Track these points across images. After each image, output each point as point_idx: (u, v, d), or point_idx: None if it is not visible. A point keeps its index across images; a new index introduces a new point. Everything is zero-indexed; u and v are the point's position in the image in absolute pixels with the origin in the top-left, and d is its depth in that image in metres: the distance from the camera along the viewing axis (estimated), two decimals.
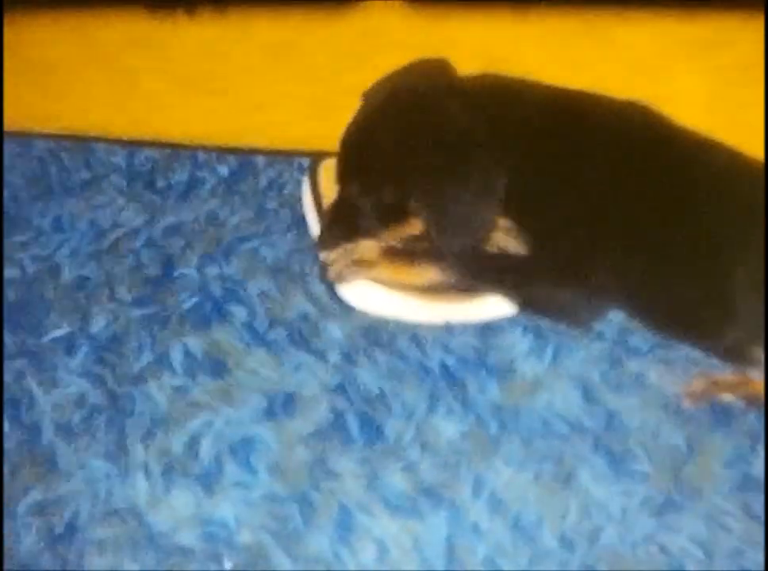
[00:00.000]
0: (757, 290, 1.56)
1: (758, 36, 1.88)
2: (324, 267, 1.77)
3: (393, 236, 1.74)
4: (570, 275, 1.69)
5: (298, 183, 2.02)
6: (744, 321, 1.58)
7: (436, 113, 1.69)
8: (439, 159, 1.65)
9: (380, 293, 1.74)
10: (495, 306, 1.74)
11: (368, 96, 1.78)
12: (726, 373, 1.64)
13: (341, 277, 1.74)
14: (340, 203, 1.77)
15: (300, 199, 1.97)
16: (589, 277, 1.69)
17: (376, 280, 1.73)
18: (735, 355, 1.63)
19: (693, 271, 1.64)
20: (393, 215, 1.72)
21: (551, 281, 1.71)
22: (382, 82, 1.78)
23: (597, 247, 1.68)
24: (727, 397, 1.60)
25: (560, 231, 1.70)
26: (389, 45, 1.98)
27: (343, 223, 1.76)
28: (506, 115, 1.71)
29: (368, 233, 1.75)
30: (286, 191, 2.07)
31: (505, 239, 1.72)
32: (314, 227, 1.87)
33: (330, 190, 1.86)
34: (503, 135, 1.69)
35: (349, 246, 1.75)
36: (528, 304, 1.73)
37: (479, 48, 1.96)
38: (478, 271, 1.72)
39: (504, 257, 1.71)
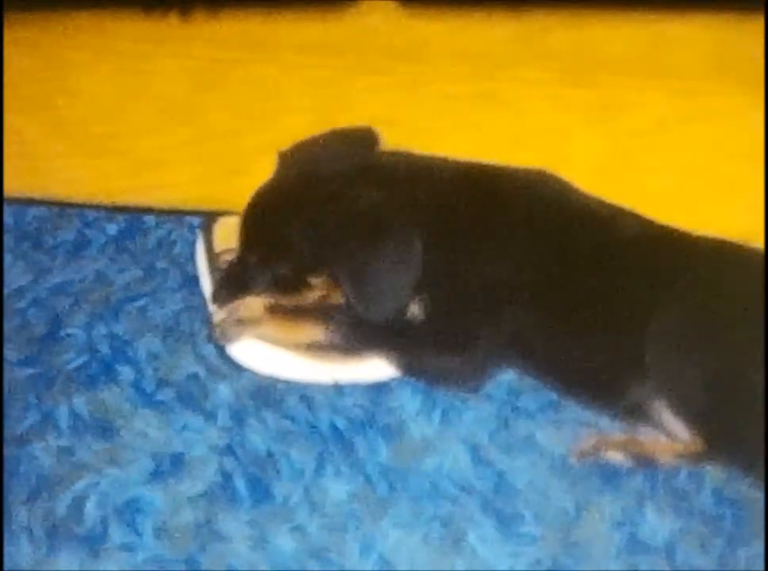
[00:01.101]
0: (669, 348, 1.59)
1: (655, 102, 1.92)
2: (211, 327, 1.76)
3: (286, 302, 1.75)
4: (462, 342, 1.71)
5: (188, 242, 2.02)
6: (652, 377, 1.61)
7: (342, 188, 1.71)
8: (354, 231, 1.67)
9: (269, 352, 1.73)
10: (384, 367, 1.74)
11: (282, 160, 1.79)
12: (615, 432, 1.66)
13: (226, 337, 1.73)
14: (237, 263, 1.78)
15: (190, 258, 1.96)
16: (486, 345, 1.71)
17: (262, 338, 1.72)
18: (634, 413, 1.65)
19: (602, 331, 1.68)
20: (289, 287, 1.73)
21: (441, 347, 1.72)
22: (298, 147, 1.80)
23: (496, 313, 1.71)
24: (616, 457, 1.62)
25: (460, 299, 1.72)
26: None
27: (236, 283, 1.76)
28: (417, 190, 1.74)
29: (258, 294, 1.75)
30: (175, 250, 2.06)
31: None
32: (207, 285, 1.86)
33: (225, 248, 1.87)
34: (414, 209, 1.71)
35: (234, 304, 1.74)
36: (413, 370, 1.74)
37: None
38: (364, 334, 1.72)
39: (394, 323, 1.72)
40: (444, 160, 1.79)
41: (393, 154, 1.80)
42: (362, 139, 1.81)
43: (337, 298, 1.73)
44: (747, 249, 1.70)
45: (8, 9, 1.99)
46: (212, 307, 1.79)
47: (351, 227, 1.67)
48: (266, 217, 1.74)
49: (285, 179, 1.77)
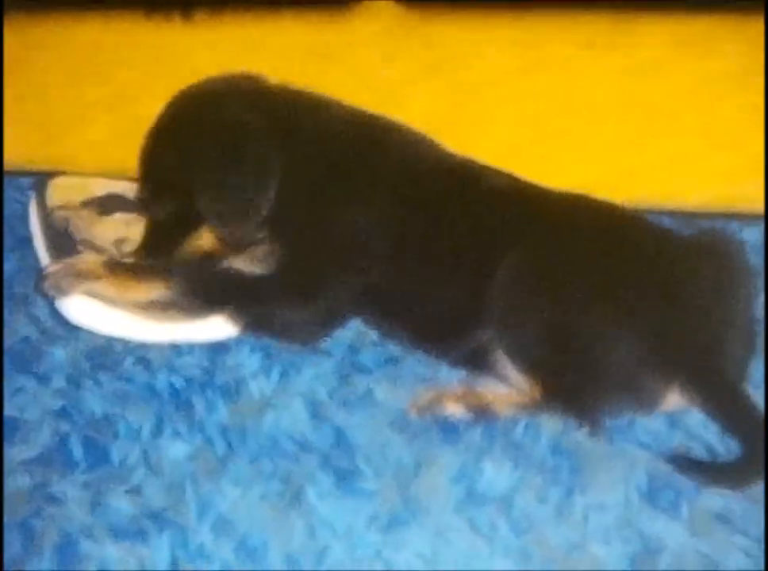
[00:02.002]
0: (509, 295, 1.62)
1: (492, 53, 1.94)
2: (42, 278, 1.70)
3: (188, 247, 1.74)
4: (311, 294, 1.71)
5: (20, 203, 1.97)
6: (493, 324, 1.63)
7: (225, 112, 1.71)
8: (218, 151, 1.67)
9: (103, 310, 1.69)
10: (222, 326, 1.72)
11: (170, 100, 1.78)
12: (452, 385, 1.68)
13: (58, 289, 1.68)
14: (148, 222, 1.78)
15: (21, 220, 1.92)
16: (332, 298, 1.72)
17: (97, 294, 1.68)
18: (475, 360, 1.68)
19: (452, 280, 1.71)
20: (185, 223, 1.73)
21: (285, 301, 1.71)
22: (185, 89, 1.79)
23: (352, 265, 1.73)
24: (454, 409, 1.63)
25: (315, 249, 1.73)
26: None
27: (154, 240, 1.76)
28: (295, 128, 1.74)
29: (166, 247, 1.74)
30: (5, 212, 2.02)
31: (247, 262, 1.74)
32: (41, 245, 1.83)
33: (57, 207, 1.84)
34: (286, 145, 1.71)
35: (71, 259, 1.71)
36: (253, 324, 1.73)
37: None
38: (204, 289, 1.71)
39: (233, 276, 1.72)
40: (331, 103, 1.80)
41: (285, 88, 1.80)
42: (251, 79, 1.81)
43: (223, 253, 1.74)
44: (598, 201, 1.73)
45: None
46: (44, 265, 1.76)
47: (212, 140, 1.68)
48: (153, 148, 1.75)
49: (171, 108, 1.77)
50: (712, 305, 1.61)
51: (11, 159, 1.98)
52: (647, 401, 1.60)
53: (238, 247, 1.74)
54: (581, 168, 1.91)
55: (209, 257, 1.75)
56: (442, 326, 1.72)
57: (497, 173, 1.77)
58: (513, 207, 1.72)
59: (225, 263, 1.76)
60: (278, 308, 1.72)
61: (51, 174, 1.94)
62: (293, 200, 1.70)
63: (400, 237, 1.72)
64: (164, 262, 1.72)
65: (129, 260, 1.74)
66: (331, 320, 1.74)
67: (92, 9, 2.02)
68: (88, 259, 1.71)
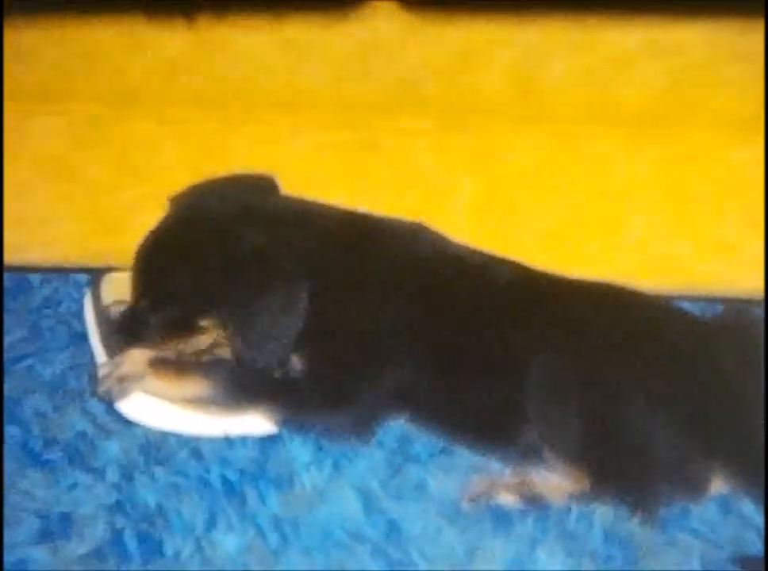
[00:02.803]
0: (546, 391, 1.63)
1: (531, 145, 1.95)
2: (96, 384, 1.74)
3: (176, 348, 1.74)
4: (342, 397, 1.72)
5: (74, 300, 2.01)
6: (535, 421, 1.64)
7: (228, 233, 1.71)
8: (238, 274, 1.67)
9: (157, 405, 1.72)
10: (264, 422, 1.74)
11: (173, 203, 1.79)
12: (506, 475, 1.68)
13: (111, 395, 1.72)
14: (130, 310, 1.77)
15: (76, 316, 1.95)
16: (367, 397, 1.72)
17: (146, 392, 1.72)
18: (528, 455, 1.67)
19: (486, 379, 1.70)
20: (180, 330, 1.72)
21: (321, 403, 1.73)
22: (189, 190, 1.80)
23: (376, 366, 1.72)
24: (507, 498, 1.63)
25: (338, 352, 1.73)
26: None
27: (130, 330, 1.75)
28: (300, 236, 1.75)
29: (150, 343, 1.74)
30: (61, 308, 2.04)
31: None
32: (96, 341, 1.86)
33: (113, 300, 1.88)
34: (297, 256, 1.72)
35: (116, 359, 1.74)
36: (293, 425, 1.74)
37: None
38: (244, 389, 1.72)
39: (274, 378, 1.72)
40: (329, 208, 1.80)
41: (281, 198, 1.81)
42: (257, 184, 1.82)
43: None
44: (625, 290, 1.75)
45: None
46: (99, 361, 1.78)
47: (234, 269, 1.67)
48: (154, 260, 1.74)
49: (172, 221, 1.76)
50: (741, 384, 1.62)
51: (65, 255, 2.01)
52: (693, 487, 1.60)
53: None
54: (612, 257, 1.92)
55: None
56: (484, 427, 1.72)
57: (509, 263, 1.78)
58: (537, 299, 1.74)
59: None
60: (314, 413, 1.73)
61: (105, 270, 1.97)
62: (311, 305, 1.69)
63: (422, 335, 1.73)
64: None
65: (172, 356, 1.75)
66: (368, 421, 1.75)
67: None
68: (133, 358, 1.73)
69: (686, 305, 1.86)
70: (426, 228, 1.81)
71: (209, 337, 1.73)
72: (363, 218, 1.81)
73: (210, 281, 1.68)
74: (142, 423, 1.74)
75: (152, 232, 1.75)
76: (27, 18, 1.94)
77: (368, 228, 1.80)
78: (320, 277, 1.71)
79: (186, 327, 1.72)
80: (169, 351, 1.74)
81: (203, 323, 1.71)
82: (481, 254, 1.79)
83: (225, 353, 1.74)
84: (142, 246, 1.74)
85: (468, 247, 1.80)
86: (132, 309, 1.76)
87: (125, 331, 1.76)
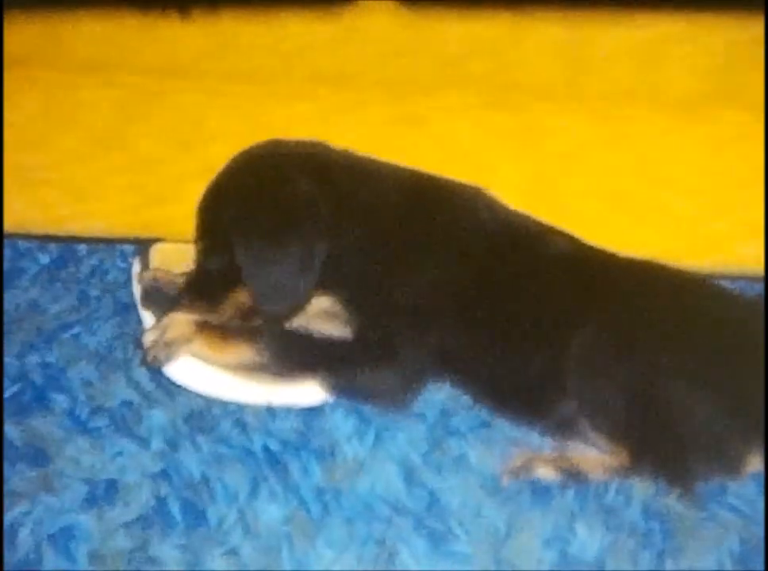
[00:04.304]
0: (588, 365, 1.63)
1: (577, 125, 1.95)
2: (142, 351, 1.76)
3: (234, 301, 1.76)
4: (391, 357, 1.73)
5: (121, 270, 2.03)
6: (576, 395, 1.65)
7: (278, 179, 1.73)
8: (265, 221, 1.70)
9: (204, 370, 1.74)
10: (316, 390, 1.75)
11: (230, 159, 1.81)
12: (545, 449, 1.69)
13: (158, 360, 1.74)
14: (197, 269, 1.81)
15: (123, 286, 1.98)
16: (412, 359, 1.74)
17: (195, 355, 1.73)
18: (564, 428, 1.69)
19: (528, 348, 1.72)
20: (234, 278, 1.74)
21: (369, 364, 1.74)
22: (246, 149, 1.81)
23: (422, 327, 1.74)
24: (546, 473, 1.64)
25: (387, 312, 1.75)
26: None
27: (196, 287, 1.79)
28: (354, 192, 1.77)
29: (215, 299, 1.77)
30: (108, 278, 2.07)
31: (326, 321, 1.76)
32: (143, 311, 1.88)
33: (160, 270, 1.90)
34: (346, 211, 1.75)
35: (162, 323, 1.75)
36: (343, 388, 1.75)
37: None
38: (294, 354, 1.74)
39: (319, 341, 1.75)
40: (391, 167, 1.83)
41: (346, 154, 1.83)
42: (313, 145, 1.84)
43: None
44: (670, 269, 1.75)
45: None
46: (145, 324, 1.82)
47: (264, 218, 1.70)
48: (208, 204, 1.78)
49: (230, 166, 1.80)
50: None
51: (112, 227, 2.03)
52: (730, 464, 1.61)
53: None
54: (653, 236, 1.91)
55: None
56: (526, 397, 1.73)
57: (560, 233, 1.79)
58: (585, 272, 1.75)
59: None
60: (362, 372, 1.74)
61: (152, 241, 2.00)
62: (360, 266, 1.74)
63: (469, 298, 1.74)
64: (208, 314, 1.77)
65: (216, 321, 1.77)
66: (414, 381, 1.76)
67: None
68: (179, 322, 1.74)
69: (727, 284, 1.86)
70: (485, 192, 1.83)
71: (243, 300, 1.76)
72: (425, 178, 1.83)
73: (248, 225, 1.71)
74: (188, 388, 1.76)
75: (212, 179, 1.79)
76: None
77: (428, 189, 1.82)
78: (370, 234, 1.74)
79: (238, 275, 1.73)
80: (217, 316, 1.76)
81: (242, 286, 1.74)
82: (536, 223, 1.81)
83: None
84: (201, 196, 1.78)
85: (524, 215, 1.82)
86: (197, 266, 1.80)
87: (192, 288, 1.80)
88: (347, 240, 1.73)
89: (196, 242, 1.79)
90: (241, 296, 1.76)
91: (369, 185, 1.79)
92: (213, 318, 1.76)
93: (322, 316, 1.77)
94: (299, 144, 1.82)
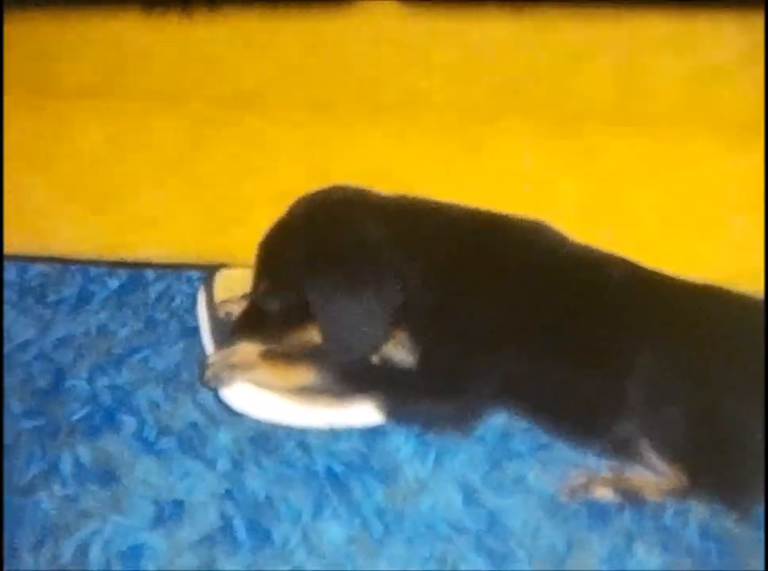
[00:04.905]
0: (651, 387, 1.65)
1: (636, 148, 1.95)
2: (203, 370, 1.79)
3: (295, 339, 1.79)
4: (453, 388, 1.75)
5: (187, 295, 2.08)
6: (636, 416, 1.66)
7: (347, 224, 1.77)
8: (339, 268, 1.73)
9: (263, 396, 1.77)
10: (374, 413, 1.78)
11: (294, 204, 1.84)
12: (603, 471, 1.71)
13: (218, 380, 1.76)
14: (252, 305, 1.84)
15: (189, 311, 2.02)
16: (476, 389, 1.75)
17: (255, 382, 1.76)
18: (622, 450, 1.70)
19: (589, 372, 1.73)
20: (296, 318, 1.78)
21: (431, 394, 1.76)
22: (310, 194, 1.84)
23: (488, 359, 1.76)
24: (604, 494, 1.66)
25: (452, 344, 1.77)
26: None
27: (252, 323, 1.82)
28: (419, 230, 1.80)
29: (272, 336, 1.79)
30: (174, 303, 2.11)
31: (393, 348, 1.79)
32: (207, 335, 1.92)
33: (225, 298, 1.95)
34: (410, 250, 1.77)
35: (228, 349, 1.79)
36: (402, 416, 1.77)
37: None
38: (355, 378, 1.76)
39: (381, 368, 1.78)
40: (449, 205, 1.84)
41: (401, 196, 1.85)
42: (363, 190, 1.86)
43: None
44: (728, 292, 1.75)
45: None
46: (209, 352, 1.86)
47: (336, 262, 1.73)
48: (275, 246, 1.81)
49: (296, 212, 1.82)
50: None
51: (179, 252, 2.06)
52: None
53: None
54: (713, 259, 1.92)
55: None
56: (585, 418, 1.74)
57: (622, 261, 1.80)
58: (645, 297, 1.76)
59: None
60: (423, 401, 1.76)
61: (218, 267, 2.04)
62: (424, 298, 1.75)
63: (531, 327, 1.75)
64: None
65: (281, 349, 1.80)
66: (474, 413, 1.78)
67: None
68: (245, 349, 1.78)
69: None
70: (546, 226, 1.84)
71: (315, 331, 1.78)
72: (486, 215, 1.85)
73: (319, 268, 1.73)
74: (247, 414, 1.79)
75: (276, 222, 1.82)
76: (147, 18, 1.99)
77: (490, 224, 1.84)
78: (435, 268, 1.77)
79: (300, 315, 1.77)
80: (280, 347, 1.79)
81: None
82: (595, 252, 1.82)
83: None
84: (268, 231, 1.81)
85: (584, 245, 1.83)
86: (253, 303, 1.83)
87: (247, 324, 1.82)
88: (412, 277, 1.75)
89: (256, 282, 1.82)
90: (306, 335, 1.79)
91: (429, 224, 1.81)
92: (279, 348, 1.79)
93: (390, 345, 1.80)
94: (359, 189, 1.85)
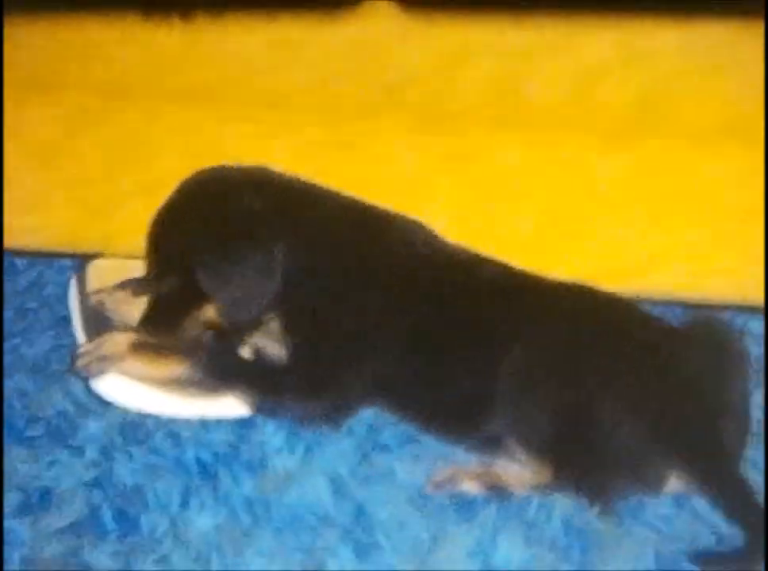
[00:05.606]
0: (516, 384, 1.68)
1: (510, 150, 1.99)
2: (74, 360, 1.77)
3: (195, 321, 1.79)
4: (324, 386, 1.77)
5: (59, 284, 2.05)
6: (503, 412, 1.69)
7: (229, 199, 1.78)
8: (222, 238, 1.74)
9: (134, 387, 1.76)
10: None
11: (179, 185, 1.84)
12: (470, 464, 1.73)
13: (88, 370, 1.75)
14: (151, 299, 1.83)
15: (60, 299, 2.00)
16: (345, 387, 1.77)
17: (125, 373, 1.75)
18: (490, 445, 1.72)
19: (459, 370, 1.76)
20: (191, 299, 1.78)
21: (302, 391, 1.77)
22: (194, 174, 1.84)
23: (360, 357, 1.78)
24: (470, 486, 1.68)
25: (325, 342, 1.78)
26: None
27: (155, 316, 1.81)
28: (299, 214, 1.81)
29: (171, 321, 1.79)
30: (46, 291, 2.09)
31: (267, 340, 1.80)
32: (78, 326, 1.91)
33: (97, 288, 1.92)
34: (292, 231, 1.79)
35: (99, 339, 1.77)
36: (271, 411, 1.79)
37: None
38: (225, 372, 1.77)
39: (250, 362, 1.80)
40: (333, 193, 1.87)
41: (290, 177, 1.86)
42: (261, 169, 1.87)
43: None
44: (597, 291, 1.79)
45: None
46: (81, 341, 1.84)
47: (221, 225, 1.75)
48: (161, 227, 1.81)
49: (181, 190, 1.83)
50: (708, 392, 1.67)
51: (52, 241, 2.04)
52: (650, 484, 1.65)
53: (239, 328, 1.81)
54: (585, 259, 1.96)
55: (224, 336, 1.81)
56: (454, 416, 1.77)
57: (492, 262, 1.83)
58: (514, 297, 1.79)
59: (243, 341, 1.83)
60: (291, 398, 1.77)
61: (90, 256, 2.02)
62: (301, 290, 1.77)
63: (404, 326, 1.78)
64: (169, 336, 1.78)
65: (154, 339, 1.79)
66: (345, 410, 1.79)
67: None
68: (115, 340, 1.76)
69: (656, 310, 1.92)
70: (424, 226, 1.87)
71: (206, 315, 1.79)
72: (368, 208, 1.87)
73: (198, 244, 1.75)
74: (117, 404, 1.78)
75: (162, 204, 1.82)
76: (25, 12, 1.97)
77: (370, 219, 1.86)
78: (309, 260, 1.78)
79: (195, 295, 1.77)
80: (157, 338, 1.78)
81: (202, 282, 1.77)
82: (468, 253, 1.85)
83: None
84: (154, 216, 1.81)
85: (457, 246, 1.86)
86: (147, 279, 1.84)
87: (147, 311, 1.81)
88: (290, 261, 1.77)
89: (148, 269, 1.82)
90: (205, 314, 1.79)
91: (313, 209, 1.83)
92: (173, 340, 1.78)
93: (263, 335, 1.81)
94: (244, 168, 1.85)
